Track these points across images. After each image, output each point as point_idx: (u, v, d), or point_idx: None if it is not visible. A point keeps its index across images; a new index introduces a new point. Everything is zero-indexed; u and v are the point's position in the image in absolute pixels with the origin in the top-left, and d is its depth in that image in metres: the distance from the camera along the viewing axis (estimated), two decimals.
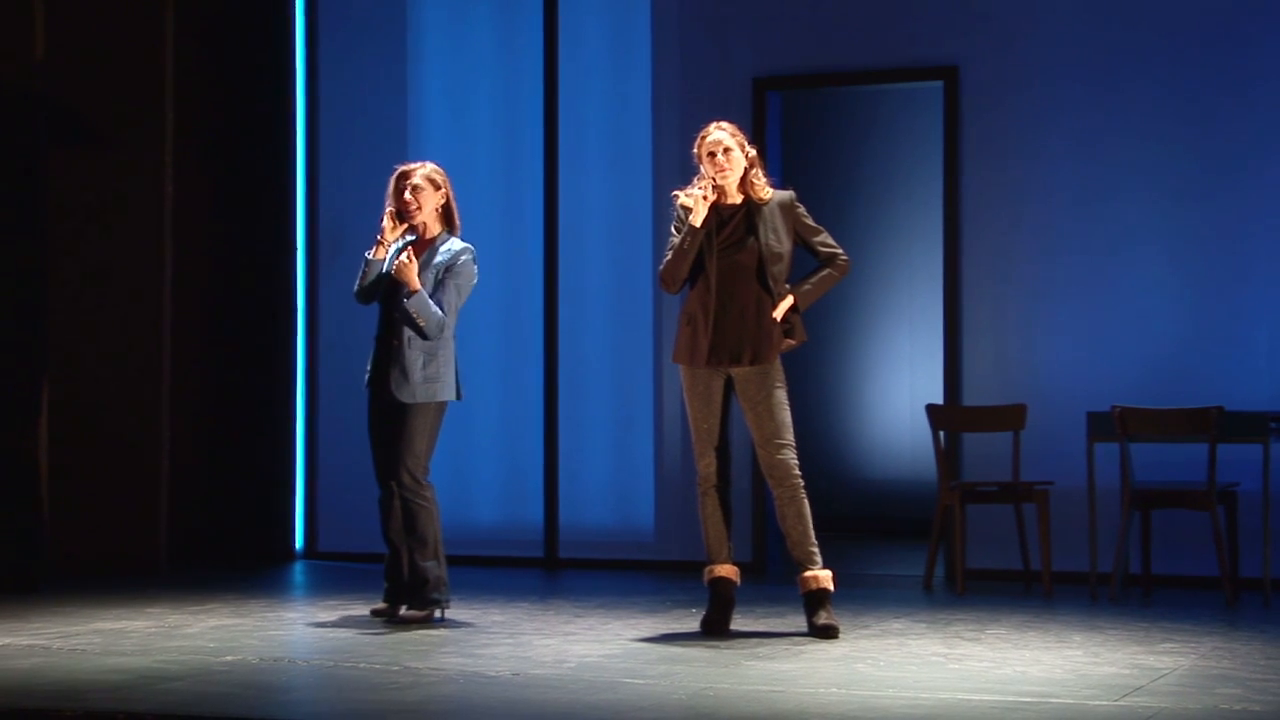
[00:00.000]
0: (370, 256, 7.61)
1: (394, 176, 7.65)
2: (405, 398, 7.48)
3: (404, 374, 7.48)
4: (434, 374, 7.50)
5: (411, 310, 7.43)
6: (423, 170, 7.63)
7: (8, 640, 7.03)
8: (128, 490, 9.44)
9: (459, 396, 7.61)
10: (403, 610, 7.58)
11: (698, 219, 7.11)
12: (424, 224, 7.61)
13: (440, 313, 7.47)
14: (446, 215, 7.66)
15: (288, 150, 10.49)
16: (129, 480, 9.44)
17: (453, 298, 7.53)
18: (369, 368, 7.66)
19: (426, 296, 7.45)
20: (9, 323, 8.80)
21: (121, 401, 9.47)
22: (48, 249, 8.96)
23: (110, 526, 9.41)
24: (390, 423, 7.55)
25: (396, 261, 7.50)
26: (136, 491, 9.44)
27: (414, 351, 7.48)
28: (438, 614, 7.57)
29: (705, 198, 7.10)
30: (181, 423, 9.80)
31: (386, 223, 7.58)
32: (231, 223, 10.43)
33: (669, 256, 7.20)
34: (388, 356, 7.52)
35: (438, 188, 7.61)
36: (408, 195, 7.57)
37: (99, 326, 9.48)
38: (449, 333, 7.54)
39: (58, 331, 9.22)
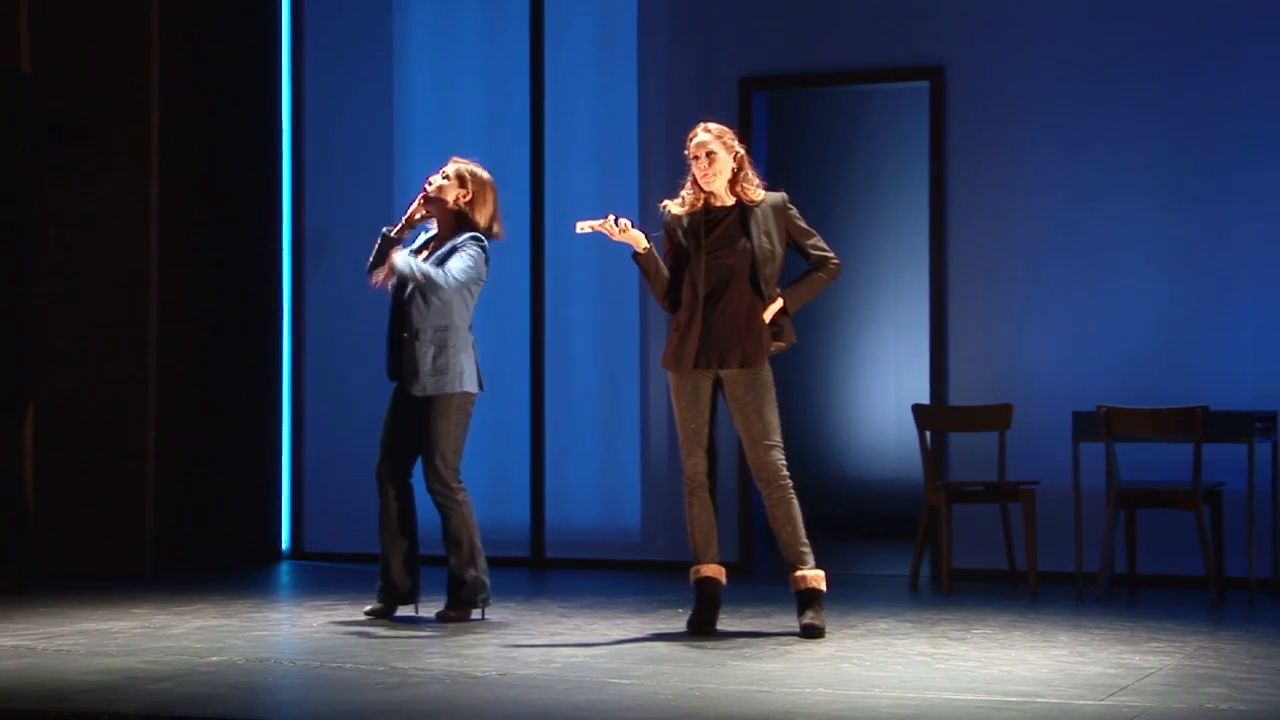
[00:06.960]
0: (386, 231, 7.58)
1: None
2: (416, 391, 7.46)
3: (414, 368, 7.46)
4: (444, 365, 7.44)
5: (402, 266, 7.33)
6: (459, 165, 7.57)
7: None
8: (113, 491, 9.42)
9: (481, 388, 7.59)
10: (437, 612, 7.58)
11: (639, 245, 7.13)
12: (439, 218, 7.57)
13: (433, 268, 7.37)
14: (459, 218, 7.53)
15: (273, 150, 10.49)
16: (115, 481, 9.42)
17: (459, 264, 7.39)
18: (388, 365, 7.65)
19: (408, 255, 7.39)
20: None
21: (107, 402, 9.46)
22: (33, 250, 8.94)
23: (96, 527, 9.39)
24: (414, 425, 7.54)
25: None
26: (122, 492, 9.43)
27: (424, 345, 7.45)
28: (476, 614, 7.59)
29: (612, 229, 7.08)
30: (167, 423, 9.78)
31: (415, 203, 7.58)
32: (217, 223, 10.43)
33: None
34: (400, 352, 7.52)
35: (463, 185, 7.53)
36: (432, 176, 7.56)
37: (84, 327, 9.46)
38: (463, 323, 7.50)
39: (43, 332, 9.21)
